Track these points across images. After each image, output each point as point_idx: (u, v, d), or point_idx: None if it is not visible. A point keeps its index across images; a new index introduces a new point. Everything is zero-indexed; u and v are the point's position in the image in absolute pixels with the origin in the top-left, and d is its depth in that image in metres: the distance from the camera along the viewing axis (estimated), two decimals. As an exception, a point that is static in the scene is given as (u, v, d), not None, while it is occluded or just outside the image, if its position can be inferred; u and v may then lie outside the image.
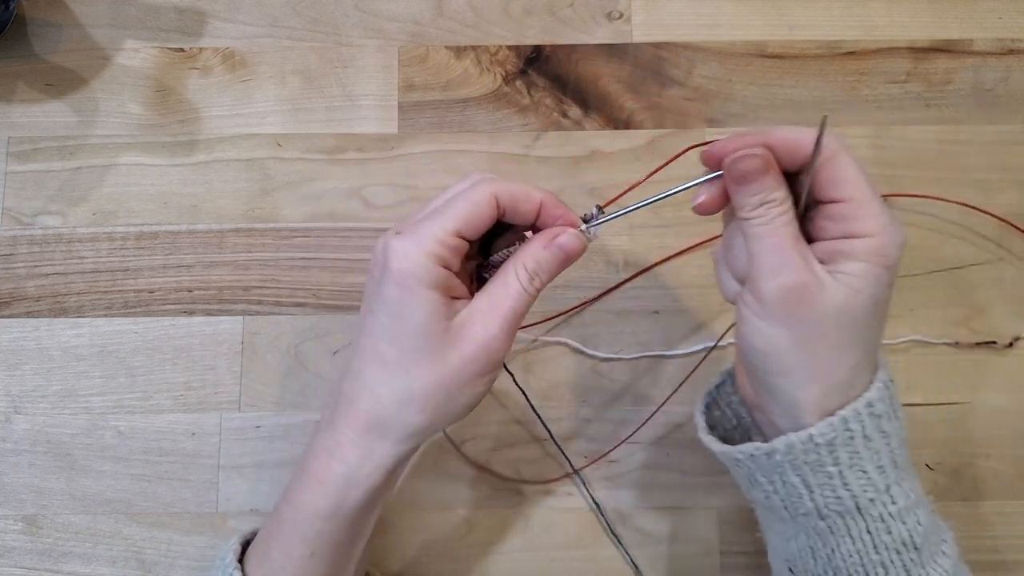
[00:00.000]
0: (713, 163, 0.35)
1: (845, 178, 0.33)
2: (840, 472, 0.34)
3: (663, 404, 0.49)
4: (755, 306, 0.34)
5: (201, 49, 0.55)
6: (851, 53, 0.55)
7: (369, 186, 0.53)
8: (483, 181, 0.36)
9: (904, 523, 0.34)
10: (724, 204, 0.36)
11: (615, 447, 0.49)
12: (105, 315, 0.51)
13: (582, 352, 0.50)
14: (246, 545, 0.39)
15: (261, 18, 0.55)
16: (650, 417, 0.49)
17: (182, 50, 0.55)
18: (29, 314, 0.51)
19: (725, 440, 0.40)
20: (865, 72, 0.54)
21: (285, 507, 0.37)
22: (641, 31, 0.55)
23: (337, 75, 0.54)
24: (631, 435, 0.49)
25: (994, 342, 0.50)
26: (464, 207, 0.35)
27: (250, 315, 0.51)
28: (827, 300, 0.33)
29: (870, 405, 0.34)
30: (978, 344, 0.50)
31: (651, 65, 0.54)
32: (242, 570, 0.37)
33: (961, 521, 0.49)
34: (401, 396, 0.35)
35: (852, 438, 0.34)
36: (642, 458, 0.49)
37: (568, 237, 0.36)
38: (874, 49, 0.55)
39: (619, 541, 0.48)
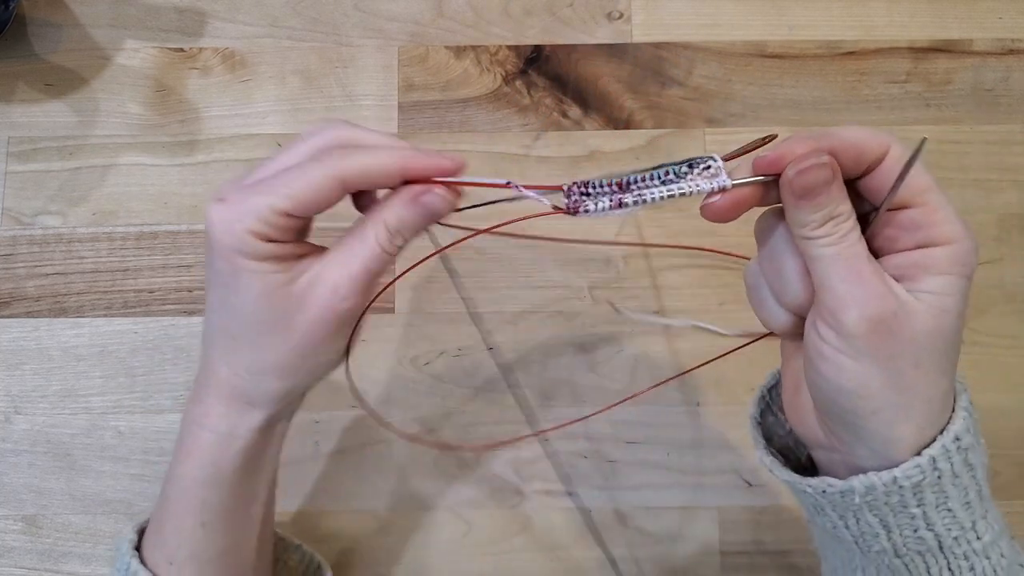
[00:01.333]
0: (770, 171, 0.30)
1: (916, 182, 0.29)
2: (924, 513, 0.31)
3: (656, 385, 0.49)
4: (837, 342, 0.30)
5: (201, 49, 0.55)
6: (851, 53, 0.55)
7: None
8: (329, 157, 0.32)
9: (988, 558, 0.32)
10: (742, 211, 0.31)
11: (587, 416, 0.49)
12: (105, 315, 0.51)
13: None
14: (142, 533, 0.37)
15: (261, 18, 0.55)
16: (624, 400, 0.49)
17: (182, 50, 0.55)
18: (29, 314, 0.51)
19: (782, 451, 0.36)
20: (865, 72, 0.54)
21: (168, 485, 0.35)
22: (641, 31, 0.55)
23: (337, 75, 0.54)
24: (598, 411, 0.49)
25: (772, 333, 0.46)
26: (299, 186, 0.31)
27: (250, 315, 0.51)
28: (918, 326, 0.29)
29: (957, 439, 0.30)
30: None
31: (651, 65, 0.54)
32: (140, 557, 0.35)
33: (961, 521, 0.49)
34: (256, 368, 0.33)
35: (940, 477, 0.30)
36: (642, 458, 0.49)
37: (434, 197, 0.32)
38: (874, 49, 0.55)
39: (604, 543, 0.48)
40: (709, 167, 0.30)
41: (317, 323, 0.32)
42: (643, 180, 0.31)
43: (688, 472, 0.49)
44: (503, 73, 0.54)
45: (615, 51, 0.55)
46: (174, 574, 0.35)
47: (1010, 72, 0.54)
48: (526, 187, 0.32)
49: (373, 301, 0.34)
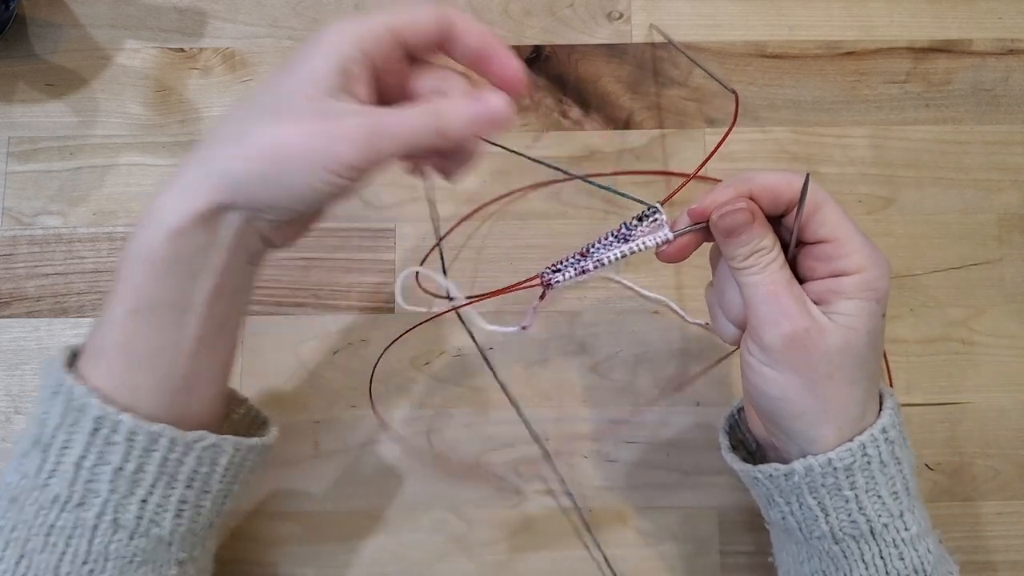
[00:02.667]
0: (699, 219, 0.36)
1: (828, 220, 0.35)
2: (856, 496, 0.35)
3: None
4: (760, 355, 0.35)
5: (201, 49, 0.55)
6: (851, 53, 0.55)
7: (369, 186, 0.53)
8: (453, 12, 0.35)
9: (916, 550, 0.35)
10: (690, 253, 0.37)
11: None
12: (105, 315, 0.51)
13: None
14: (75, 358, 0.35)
15: (261, 18, 0.55)
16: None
17: (182, 50, 0.55)
18: (29, 314, 0.51)
19: (748, 459, 0.40)
20: (865, 72, 0.54)
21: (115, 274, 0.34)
22: (641, 31, 0.55)
23: (337, 75, 0.54)
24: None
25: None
26: (407, 14, 0.33)
27: (250, 315, 0.51)
28: (829, 342, 0.34)
29: (884, 431, 0.35)
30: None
31: (651, 65, 0.54)
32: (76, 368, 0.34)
33: (961, 521, 0.49)
34: (238, 134, 0.32)
35: (869, 463, 0.35)
36: (642, 458, 0.49)
37: (499, 100, 0.33)
38: (874, 49, 0.55)
39: (596, 543, 0.48)
40: (656, 220, 0.36)
41: (309, 135, 0.31)
42: (600, 242, 0.37)
43: (688, 472, 0.49)
44: (503, 73, 0.54)
45: (615, 51, 0.55)
46: (104, 368, 0.33)
47: (1010, 72, 0.54)
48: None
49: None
